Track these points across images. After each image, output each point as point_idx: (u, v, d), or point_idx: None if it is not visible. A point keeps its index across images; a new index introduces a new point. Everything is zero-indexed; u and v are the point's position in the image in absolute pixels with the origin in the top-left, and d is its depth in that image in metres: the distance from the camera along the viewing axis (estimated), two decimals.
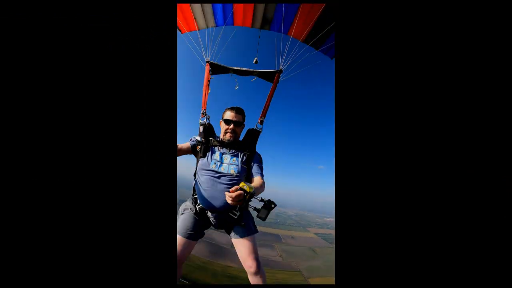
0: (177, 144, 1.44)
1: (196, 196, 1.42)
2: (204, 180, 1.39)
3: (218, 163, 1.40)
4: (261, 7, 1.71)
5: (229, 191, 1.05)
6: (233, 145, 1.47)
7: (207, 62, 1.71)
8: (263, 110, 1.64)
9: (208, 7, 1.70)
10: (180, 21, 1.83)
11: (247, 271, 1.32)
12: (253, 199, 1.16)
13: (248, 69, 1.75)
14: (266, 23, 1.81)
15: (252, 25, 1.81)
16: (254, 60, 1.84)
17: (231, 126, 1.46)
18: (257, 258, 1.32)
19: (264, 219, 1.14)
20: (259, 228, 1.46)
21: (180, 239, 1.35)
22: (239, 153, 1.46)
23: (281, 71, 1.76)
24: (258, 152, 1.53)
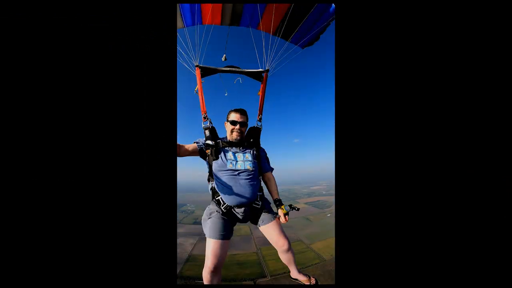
0: (182, 145, 1.48)
1: (218, 197, 1.44)
2: (225, 180, 1.43)
3: (234, 162, 1.47)
4: (229, 5, 1.73)
5: (249, 185, 1.42)
6: (241, 143, 1.56)
7: (196, 66, 1.70)
8: (259, 109, 1.71)
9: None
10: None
11: (278, 250, 1.48)
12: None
13: (236, 69, 1.78)
14: (236, 20, 1.82)
15: (222, 23, 1.81)
16: (223, 58, 1.82)
17: (237, 126, 1.54)
18: (286, 237, 1.46)
19: (297, 210, 1.55)
20: None
21: (215, 242, 1.33)
22: (248, 150, 1.56)
23: (267, 70, 1.79)
24: (262, 147, 1.65)
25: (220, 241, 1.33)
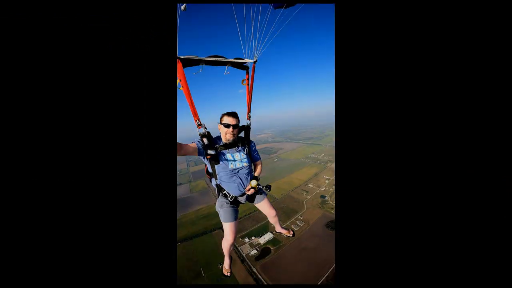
0: (182, 144, 1.54)
1: (225, 192, 1.87)
2: (229, 178, 1.81)
3: (233, 162, 1.79)
4: None
5: (247, 178, 1.84)
6: (235, 143, 1.83)
7: (177, 58, 1.54)
8: (248, 107, 1.89)
9: None
10: None
11: (268, 217, 2.18)
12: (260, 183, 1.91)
13: (221, 59, 1.70)
14: None
15: None
16: (182, 7, 1.50)
17: (231, 129, 1.74)
18: (274, 208, 2.13)
19: (269, 190, 1.97)
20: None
21: (229, 224, 1.88)
22: (241, 148, 1.86)
23: (255, 61, 1.76)
24: (251, 140, 1.98)
25: (232, 222, 1.89)
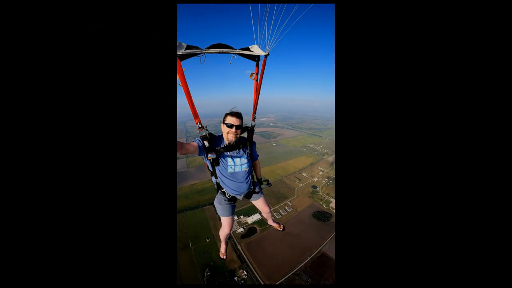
0: (183, 143, 1.51)
1: (223, 190, 1.93)
2: (227, 181, 1.84)
3: (233, 167, 1.80)
4: None
5: (247, 182, 1.88)
6: (237, 145, 1.79)
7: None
8: (254, 106, 1.82)
9: None
10: None
11: (263, 212, 2.36)
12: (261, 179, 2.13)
13: (226, 49, 1.52)
14: None
15: None
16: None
17: (233, 129, 1.70)
18: (268, 205, 2.25)
19: (270, 186, 2.25)
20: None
21: (227, 219, 2.05)
22: (243, 151, 1.83)
23: (267, 54, 1.61)
24: (254, 141, 1.96)
25: (229, 217, 2.05)
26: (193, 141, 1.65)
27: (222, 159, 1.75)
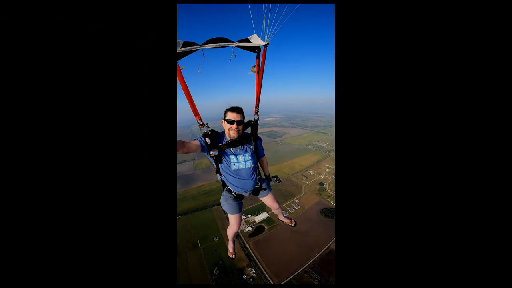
0: (184, 142, 1.50)
1: (229, 188, 1.90)
2: (232, 179, 1.80)
3: (237, 163, 1.74)
4: None
5: (252, 179, 1.82)
6: (240, 141, 1.72)
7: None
8: (256, 100, 1.74)
9: None
10: None
11: (272, 209, 2.30)
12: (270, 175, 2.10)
13: (224, 43, 1.46)
14: None
15: None
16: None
17: (235, 125, 1.64)
18: (277, 201, 2.21)
19: (279, 182, 2.18)
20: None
21: (235, 216, 2.02)
22: (247, 147, 1.76)
23: (267, 44, 1.55)
24: (259, 136, 1.88)
25: (237, 214, 2.02)
26: (194, 139, 1.63)
27: (225, 156, 1.71)
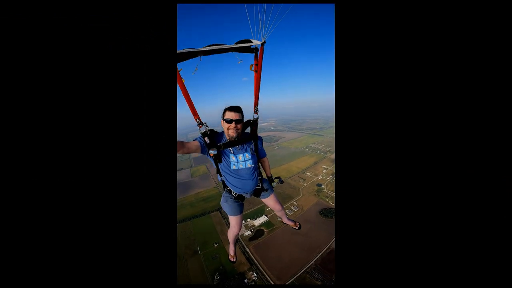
0: (184, 142, 1.50)
1: (229, 188, 1.86)
2: (232, 179, 1.76)
3: (236, 163, 1.71)
4: None
5: (253, 179, 1.77)
6: (239, 141, 1.70)
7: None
8: (255, 98, 1.72)
9: None
10: None
11: (275, 211, 2.24)
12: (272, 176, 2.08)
13: (221, 47, 1.46)
14: None
15: None
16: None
17: (233, 124, 1.63)
18: (280, 203, 2.15)
19: (281, 183, 2.11)
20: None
21: (235, 218, 1.97)
22: (247, 146, 1.74)
23: (264, 42, 1.55)
24: (259, 135, 1.85)
25: (238, 216, 1.97)
26: (194, 140, 1.62)
27: (224, 155, 1.69)
